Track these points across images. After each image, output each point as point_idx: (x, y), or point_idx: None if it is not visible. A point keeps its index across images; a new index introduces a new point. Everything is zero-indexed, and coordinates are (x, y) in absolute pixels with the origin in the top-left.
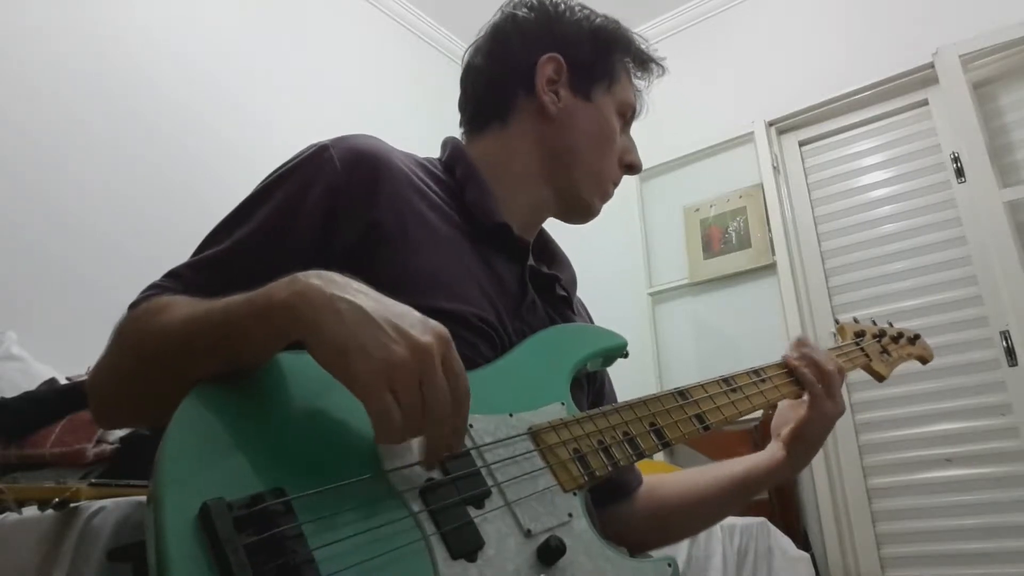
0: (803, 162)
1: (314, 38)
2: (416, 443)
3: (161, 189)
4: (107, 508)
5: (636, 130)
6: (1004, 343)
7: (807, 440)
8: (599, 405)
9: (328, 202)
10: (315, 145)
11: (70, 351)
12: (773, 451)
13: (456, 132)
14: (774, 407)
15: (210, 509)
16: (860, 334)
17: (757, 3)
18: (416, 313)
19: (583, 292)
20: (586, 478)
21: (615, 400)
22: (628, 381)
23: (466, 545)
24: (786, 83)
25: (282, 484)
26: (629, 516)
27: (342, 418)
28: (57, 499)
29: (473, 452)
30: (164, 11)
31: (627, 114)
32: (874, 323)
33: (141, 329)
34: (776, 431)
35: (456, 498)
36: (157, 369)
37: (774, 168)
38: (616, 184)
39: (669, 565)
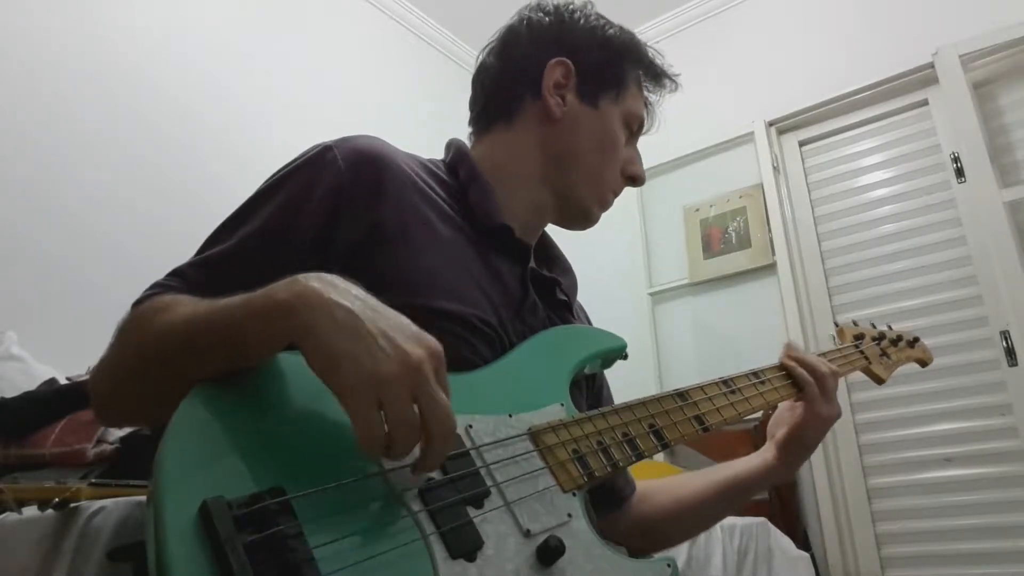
0: (803, 162)
1: (314, 38)
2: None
3: (161, 189)
4: (107, 508)
5: None
6: (1004, 343)
7: (801, 442)
8: (597, 407)
9: (331, 202)
10: (318, 145)
11: (70, 351)
12: (766, 453)
13: (457, 133)
14: (774, 408)
15: (210, 508)
16: (859, 337)
17: (757, 3)
18: (412, 326)
19: (583, 292)
20: (585, 478)
21: (612, 403)
22: (628, 381)
23: (465, 545)
24: (786, 83)
25: (282, 483)
26: (624, 524)
27: (342, 418)
28: (57, 499)
29: (473, 452)
30: (164, 11)
31: (634, 126)
32: (873, 326)
33: (143, 328)
34: (772, 433)
35: (455, 498)
36: (159, 368)
37: (774, 168)
38: (616, 194)
39: (668, 565)
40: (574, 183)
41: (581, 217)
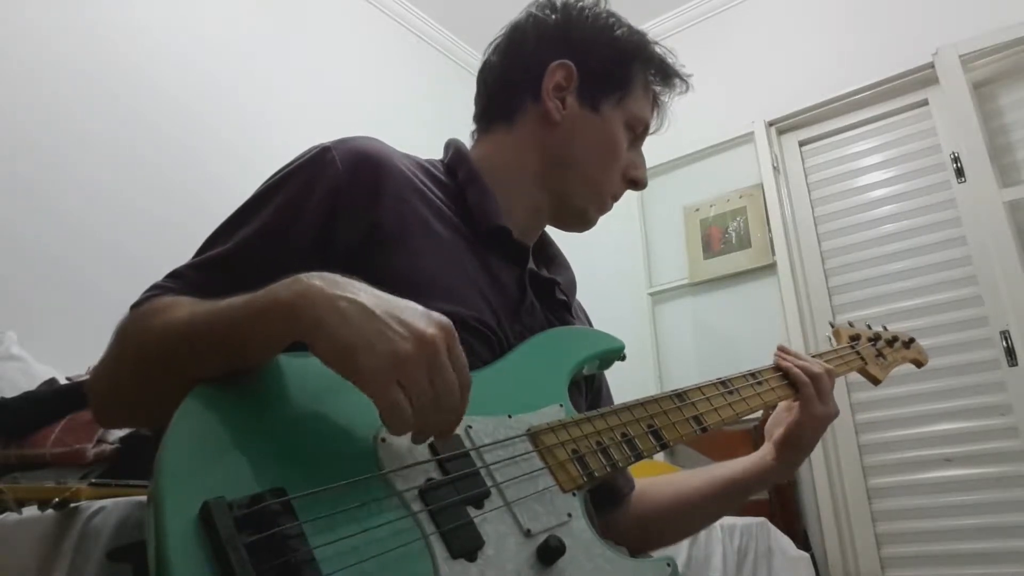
0: (803, 162)
1: (314, 38)
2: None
3: (161, 189)
4: (107, 508)
5: None
6: (1004, 343)
7: (798, 442)
8: (597, 407)
9: (330, 203)
10: (317, 146)
11: (70, 351)
12: (764, 453)
13: (457, 133)
14: (773, 408)
15: (211, 509)
16: (855, 338)
17: (757, 3)
18: (418, 307)
19: (583, 292)
20: (585, 478)
21: (612, 403)
22: (628, 381)
23: (466, 545)
24: (786, 83)
25: (282, 484)
26: (623, 523)
27: (342, 418)
28: (57, 499)
29: (472, 453)
30: (164, 11)
31: (638, 129)
32: (869, 327)
33: (143, 329)
34: (770, 433)
35: (456, 498)
36: (159, 369)
37: (774, 168)
38: (616, 198)
39: (668, 565)
40: (572, 187)
41: (578, 221)
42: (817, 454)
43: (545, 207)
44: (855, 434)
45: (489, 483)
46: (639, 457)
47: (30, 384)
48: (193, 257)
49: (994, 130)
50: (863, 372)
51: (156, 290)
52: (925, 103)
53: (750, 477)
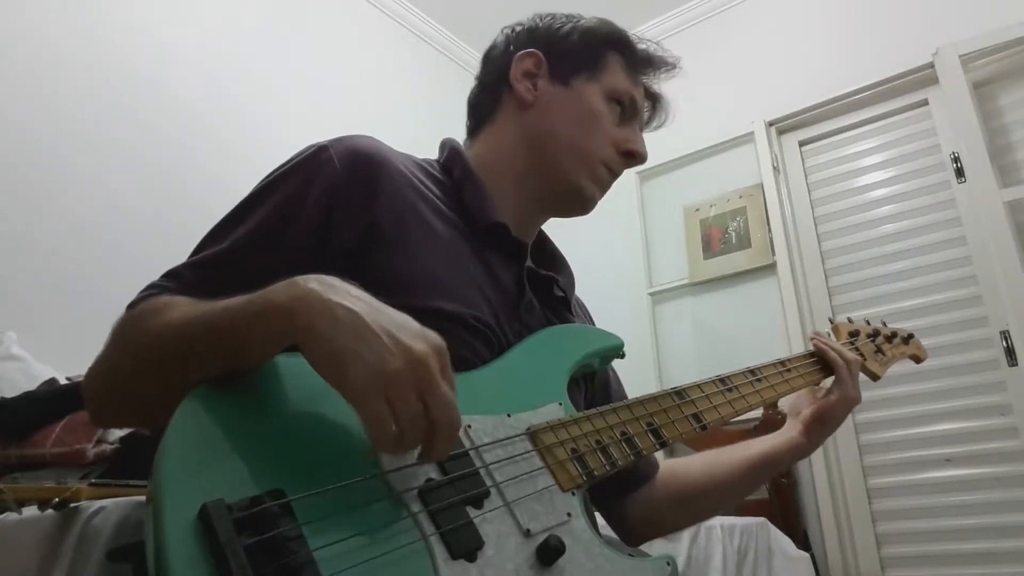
0: (803, 162)
1: (314, 38)
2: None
3: (161, 189)
4: (107, 508)
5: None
6: (1004, 343)
7: (829, 421)
8: (607, 403)
9: (327, 202)
10: (314, 145)
11: (70, 351)
12: (791, 432)
13: (457, 132)
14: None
15: (209, 511)
16: (854, 334)
17: (757, 3)
18: (415, 324)
19: (583, 292)
20: (584, 478)
21: (624, 397)
22: (628, 381)
23: (466, 545)
24: (786, 83)
25: (281, 485)
26: (654, 500)
27: (341, 419)
28: (57, 499)
29: (472, 452)
30: (164, 11)
31: (623, 101)
32: (868, 323)
33: (139, 330)
34: (794, 412)
35: (455, 498)
36: (155, 370)
37: (774, 168)
38: (612, 170)
39: (668, 564)
40: (559, 157)
41: (576, 198)
42: (817, 454)
43: (542, 195)
44: (855, 434)
45: (489, 483)
46: (639, 455)
47: (30, 384)
48: (190, 256)
49: (994, 130)
50: (862, 368)
51: (152, 290)
52: (925, 103)
53: (778, 455)
